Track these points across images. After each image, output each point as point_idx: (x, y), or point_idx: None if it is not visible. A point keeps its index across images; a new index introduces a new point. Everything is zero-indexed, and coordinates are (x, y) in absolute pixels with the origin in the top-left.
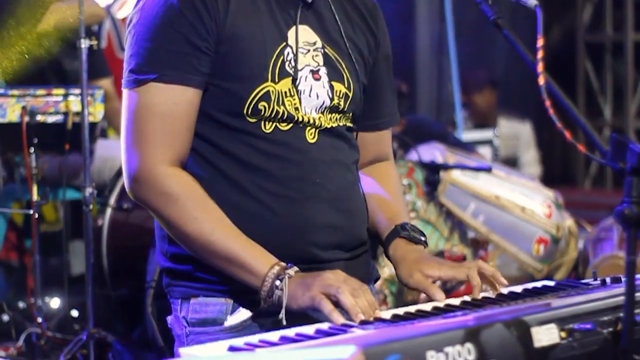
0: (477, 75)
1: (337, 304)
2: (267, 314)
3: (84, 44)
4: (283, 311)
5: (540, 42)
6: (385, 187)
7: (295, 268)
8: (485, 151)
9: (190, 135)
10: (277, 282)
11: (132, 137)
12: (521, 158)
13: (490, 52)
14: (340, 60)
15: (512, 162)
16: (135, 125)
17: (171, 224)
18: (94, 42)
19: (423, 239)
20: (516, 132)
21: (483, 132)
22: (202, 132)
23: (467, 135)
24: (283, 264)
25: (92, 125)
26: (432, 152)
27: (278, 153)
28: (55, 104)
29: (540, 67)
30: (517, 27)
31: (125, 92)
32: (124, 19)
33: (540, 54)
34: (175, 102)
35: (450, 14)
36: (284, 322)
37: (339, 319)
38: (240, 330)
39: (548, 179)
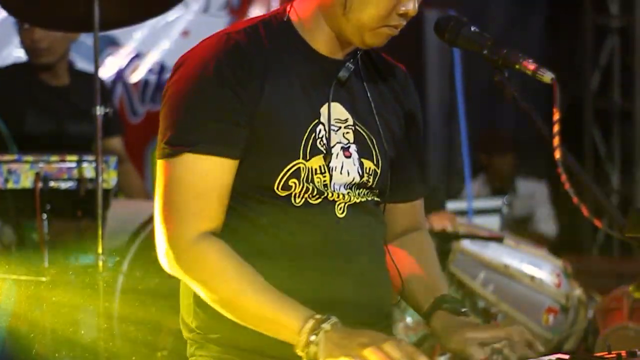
0: (501, 136)
1: None
2: None
3: (99, 111)
4: None
5: (556, 116)
6: (422, 258)
7: (333, 320)
8: (493, 220)
9: (224, 206)
10: (312, 337)
11: (165, 209)
12: (536, 214)
13: (500, 119)
14: (371, 137)
15: (528, 220)
16: (168, 197)
17: (206, 290)
18: (109, 110)
19: (464, 310)
20: (532, 190)
21: (493, 200)
22: (233, 204)
23: (477, 203)
24: (319, 316)
25: (106, 192)
26: (442, 221)
27: (307, 227)
28: (69, 171)
29: (556, 141)
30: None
31: (159, 163)
32: (135, 84)
33: (556, 128)
34: (209, 174)
35: (460, 82)
36: None
37: None
38: None
39: (555, 247)
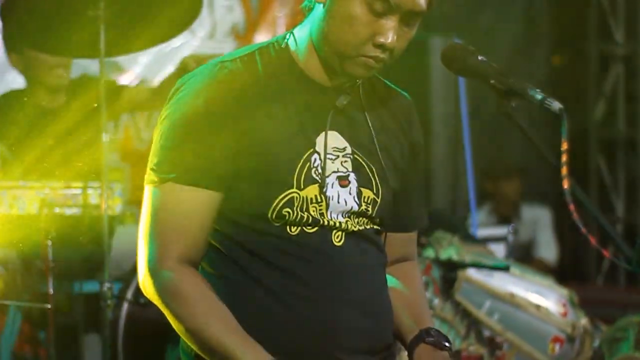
0: (508, 162)
1: None
2: None
3: (105, 137)
4: None
5: (564, 146)
6: (409, 288)
7: None
8: (499, 248)
9: (204, 235)
10: None
11: (145, 234)
12: (537, 239)
13: (506, 148)
14: (371, 166)
15: (531, 246)
16: (150, 223)
17: (173, 318)
18: (115, 136)
19: (447, 345)
20: (536, 216)
21: (498, 229)
22: (230, 234)
23: (482, 232)
24: None
25: (111, 219)
26: (448, 249)
27: (304, 256)
28: (74, 197)
29: (564, 170)
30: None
31: (145, 188)
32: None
33: (564, 158)
34: (191, 204)
35: (466, 110)
36: None
37: None
38: None
39: (560, 276)
